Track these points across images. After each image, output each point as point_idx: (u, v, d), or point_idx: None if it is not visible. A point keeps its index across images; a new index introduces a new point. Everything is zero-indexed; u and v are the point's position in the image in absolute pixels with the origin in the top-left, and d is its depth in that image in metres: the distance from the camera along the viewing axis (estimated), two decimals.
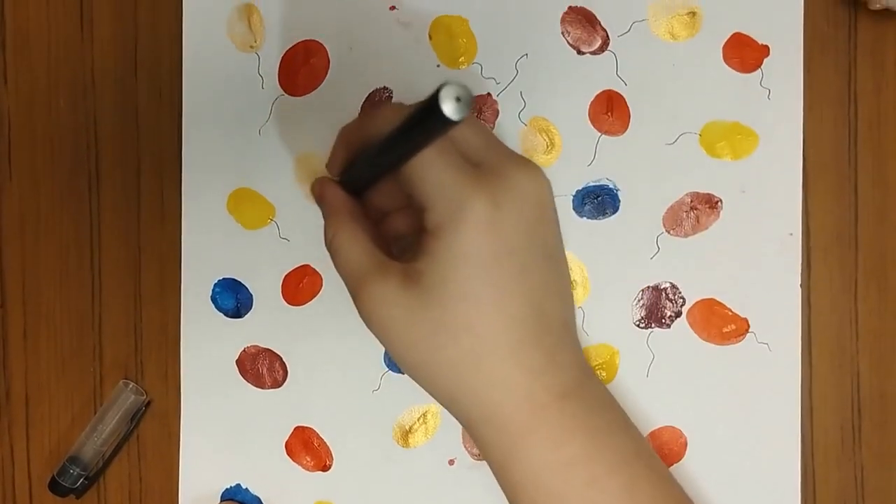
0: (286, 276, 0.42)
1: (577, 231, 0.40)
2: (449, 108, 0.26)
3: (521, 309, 0.32)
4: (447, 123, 0.26)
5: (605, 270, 0.40)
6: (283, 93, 0.41)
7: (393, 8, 0.41)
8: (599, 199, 0.40)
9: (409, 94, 0.41)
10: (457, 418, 0.34)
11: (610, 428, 0.34)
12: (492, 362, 0.32)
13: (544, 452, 0.32)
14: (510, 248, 0.32)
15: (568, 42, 0.40)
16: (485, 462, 0.34)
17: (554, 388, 0.33)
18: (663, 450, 0.40)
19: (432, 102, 0.26)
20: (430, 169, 0.31)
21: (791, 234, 0.40)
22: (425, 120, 0.27)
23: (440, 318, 0.32)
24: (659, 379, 0.40)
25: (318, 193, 0.36)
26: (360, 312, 0.33)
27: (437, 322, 0.32)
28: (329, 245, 0.34)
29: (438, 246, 0.32)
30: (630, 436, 0.34)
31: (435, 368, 0.33)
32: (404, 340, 0.33)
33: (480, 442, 0.33)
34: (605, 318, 0.40)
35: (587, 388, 0.34)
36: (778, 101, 0.40)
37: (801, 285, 0.40)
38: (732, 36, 0.40)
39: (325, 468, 0.42)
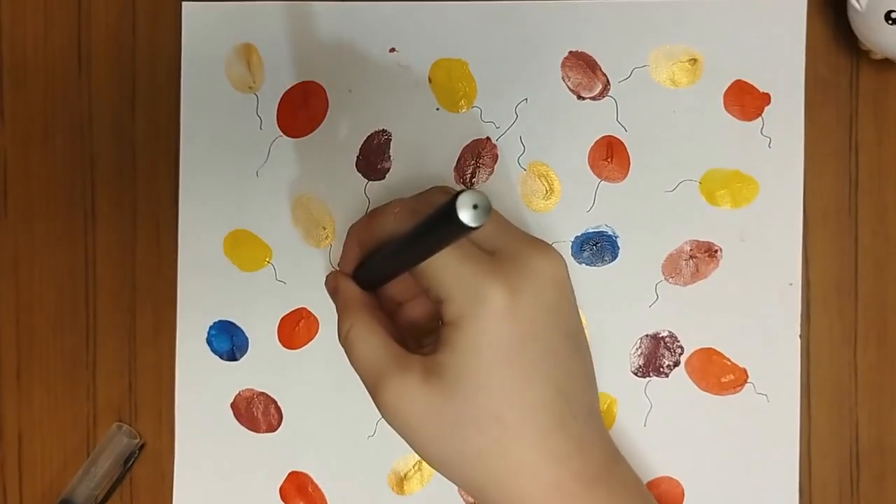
0: (282, 319, 0.41)
1: (575, 278, 0.39)
2: (467, 216, 0.26)
3: (546, 395, 0.32)
4: (465, 230, 0.26)
5: (604, 318, 0.40)
6: (282, 134, 0.41)
7: (393, 50, 0.41)
8: (598, 245, 0.40)
9: (408, 136, 0.41)
10: None
11: None
12: (519, 451, 0.32)
13: None
14: (532, 334, 0.32)
15: (568, 87, 0.40)
16: None
17: (582, 475, 0.32)
18: (661, 500, 0.40)
19: (449, 210, 0.26)
20: (446, 263, 0.32)
21: (791, 284, 0.40)
22: (442, 227, 0.27)
23: (464, 409, 0.32)
24: (657, 428, 0.40)
25: (332, 287, 0.36)
26: (379, 409, 0.33)
27: (461, 414, 0.32)
28: (344, 340, 0.34)
29: (459, 338, 0.32)
30: None
31: (462, 460, 0.32)
32: (428, 435, 0.32)
33: None
34: (602, 367, 0.40)
35: (615, 473, 0.34)
36: (778, 150, 0.40)
37: (800, 336, 0.40)
38: (733, 83, 0.40)
39: None
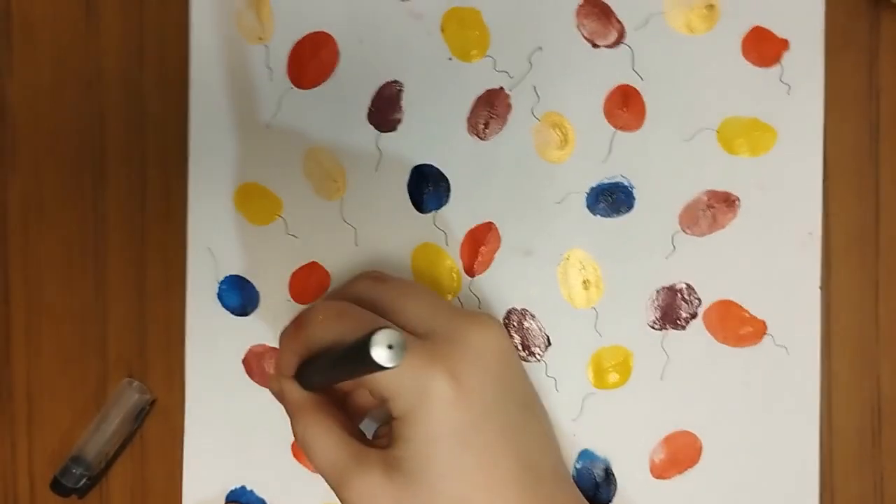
0: (294, 273, 0.42)
1: (590, 229, 0.41)
2: (381, 356, 0.27)
3: (510, 469, 0.33)
4: (380, 369, 0.27)
5: (620, 270, 0.41)
6: (292, 86, 0.42)
7: None
8: (614, 196, 0.41)
9: (420, 87, 0.41)
10: None
11: None
12: None
13: None
14: (484, 413, 0.33)
15: (583, 35, 0.41)
16: None
17: None
18: (678, 455, 0.41)
19: (364, 347, 0.27)
20: None
21: (811, 234, 0.40)
22: (359, 362, 0.28)
23: (432, 499, 0.33)
24: (674, 382, 0.41)
25: (277, 391, 0.37)
26: None
27: None
28: (301, 443, 0.35)
29: (412, 431, 0.33)
30: None
31: None
32: None
33: None
34: (618, 319, 0.41)
35: None
36: (798, 97, 0.40)
37: (820, 287, 0.40)
38: (752, 30, 0.40)
39: None
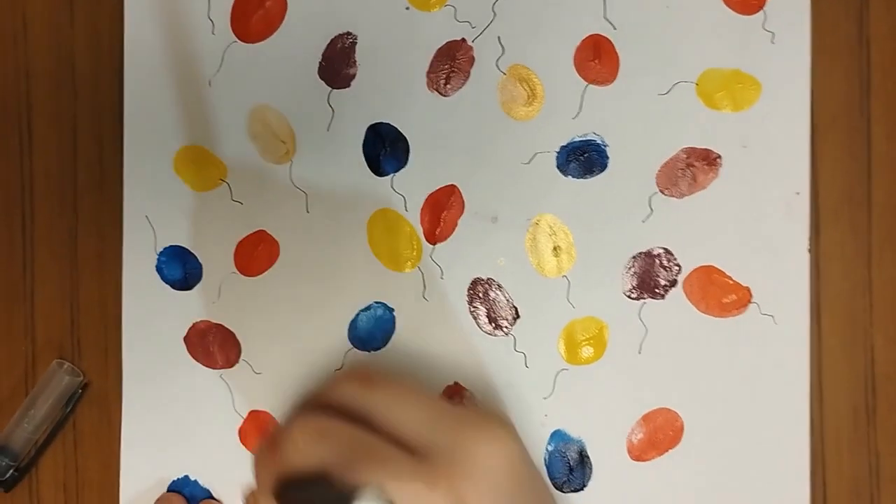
0: (239, 242, 0.40)
1: (561, 192, 0.39)
2: None
3: None
4: None
5: (593, 235, 0.39)
6: (236, 39, 0.40)
7: None
8: (586, 155, 0.39)
9: (375, 39, 0.39)
10: None
11: None
12: None
13: None
14: None
15: None
16: None
17: None
18: (658, 435, 0.39)
19: None
20: (376, 488, 0.29)
21: (798, 194, 0.38)
22: None
23: None
24: (653, 355, 0.39)
25: None
26: None
27: None
28: None
29: None
30: None
31: None
32: None
33: None
34: (592, 289, 0.39)
35: None
36: (782, 46, 0.39)
37: (809, 250, 0.39)
38: None
39: None
